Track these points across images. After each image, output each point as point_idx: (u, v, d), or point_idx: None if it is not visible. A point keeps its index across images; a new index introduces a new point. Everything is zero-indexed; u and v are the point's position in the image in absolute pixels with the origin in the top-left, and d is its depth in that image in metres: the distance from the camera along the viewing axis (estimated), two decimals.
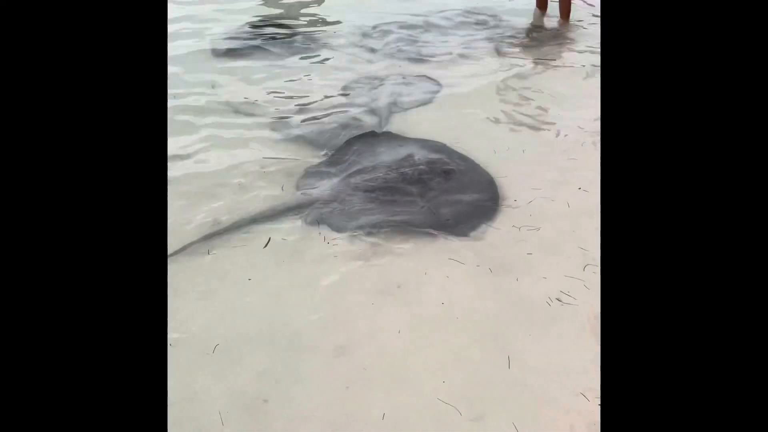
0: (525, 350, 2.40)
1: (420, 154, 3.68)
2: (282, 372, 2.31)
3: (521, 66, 5.13)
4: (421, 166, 3.50)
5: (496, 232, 3.07)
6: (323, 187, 3.42)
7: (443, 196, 3.29)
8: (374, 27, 5.98)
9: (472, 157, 3.71)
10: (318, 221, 3.14)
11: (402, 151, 3.76)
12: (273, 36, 5.78)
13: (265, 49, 5.47)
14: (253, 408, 2.18)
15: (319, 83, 4.86)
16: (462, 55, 5.35)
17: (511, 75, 4.95)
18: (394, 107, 4.44)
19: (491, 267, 2.83)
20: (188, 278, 2.78)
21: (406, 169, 3.47)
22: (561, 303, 2.61)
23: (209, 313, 2.60)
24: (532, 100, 4.56)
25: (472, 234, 3.06)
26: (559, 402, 2.19)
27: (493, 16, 6.23)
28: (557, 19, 6.06)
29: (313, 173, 3.61)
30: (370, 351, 2.40)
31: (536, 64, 5.19)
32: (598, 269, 2.73)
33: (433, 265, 2.85)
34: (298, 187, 3.47)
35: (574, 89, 4.70)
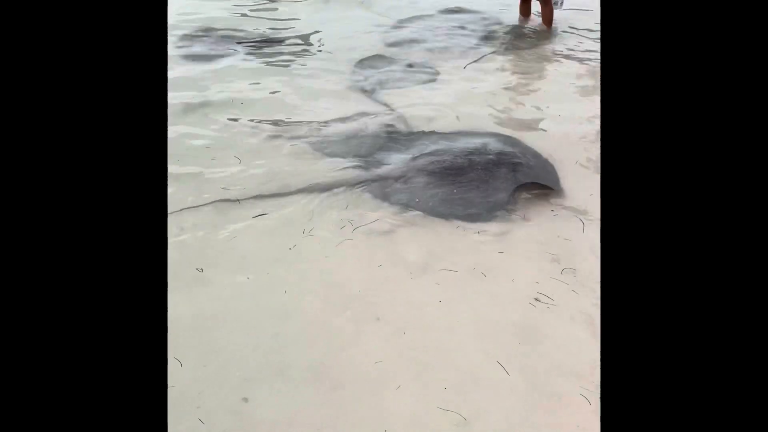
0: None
1: (494, 146, 3.81)
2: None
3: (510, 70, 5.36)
4: (491, 156, 3.63)
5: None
6: (394, 165, 3.64)
7: (505, 186, 3.39)
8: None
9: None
10: (382, 196, 3.37)
11: (476, 141, 3.90)
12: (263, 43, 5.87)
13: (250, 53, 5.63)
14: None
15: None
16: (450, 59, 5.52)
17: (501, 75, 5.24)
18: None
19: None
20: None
21: (475, 157, 3.61)
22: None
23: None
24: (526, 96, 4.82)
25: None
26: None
27: (477, 22, 6.45)
28: (539, 25, 6.30)
29: (385, 152, 3.84)
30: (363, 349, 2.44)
31: (525, 68, 5.38)
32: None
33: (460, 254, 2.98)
34: (368, 163, 3.72)
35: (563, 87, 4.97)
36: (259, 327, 2.52)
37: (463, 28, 6.33)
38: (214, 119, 4.28)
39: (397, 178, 3.49)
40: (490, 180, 3.43)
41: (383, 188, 3.43)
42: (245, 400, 2.22)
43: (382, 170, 3.60)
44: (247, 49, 5.66)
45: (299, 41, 5.89)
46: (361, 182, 3.49)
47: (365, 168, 3.64)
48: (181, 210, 3.22)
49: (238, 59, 5.41)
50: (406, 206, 3.27)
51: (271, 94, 4.76)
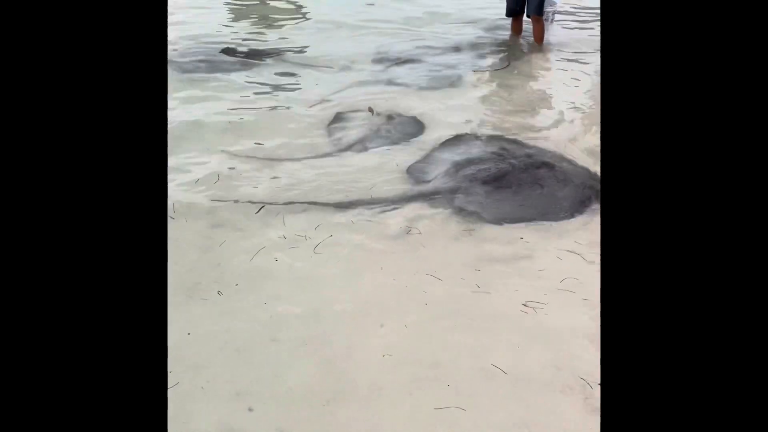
0: None
1: (515, 150, 4.01)
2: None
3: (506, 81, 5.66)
4: (523, 158, 3.83)
5: None
6: (439, 177, 3.71)
7: (558, 186, 3.62)
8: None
9: None
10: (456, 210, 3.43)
11: (497, 145, 4.10)
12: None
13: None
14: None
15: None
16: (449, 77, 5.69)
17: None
18: None
19: None
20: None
21: (513, 161, 3.79)
22: None
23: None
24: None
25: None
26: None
27: (471, 42, 6.70)
28: (531, 43, 6.58)
29: (422, 163, 3.91)
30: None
31: (518, 83, 5.65)
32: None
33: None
34: (411, 175, 3.76)
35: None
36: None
37: (456, 49, 6.41)
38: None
39: (455, 190, 3.57)
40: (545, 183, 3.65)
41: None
42: (250, 409, 2.18)
43: (431, 185, 3.66)
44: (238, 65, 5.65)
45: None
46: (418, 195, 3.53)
47: (416, 183, 3.69)
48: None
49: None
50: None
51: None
